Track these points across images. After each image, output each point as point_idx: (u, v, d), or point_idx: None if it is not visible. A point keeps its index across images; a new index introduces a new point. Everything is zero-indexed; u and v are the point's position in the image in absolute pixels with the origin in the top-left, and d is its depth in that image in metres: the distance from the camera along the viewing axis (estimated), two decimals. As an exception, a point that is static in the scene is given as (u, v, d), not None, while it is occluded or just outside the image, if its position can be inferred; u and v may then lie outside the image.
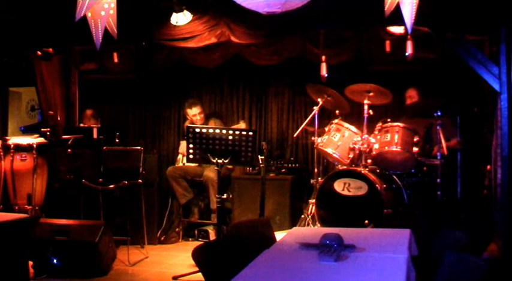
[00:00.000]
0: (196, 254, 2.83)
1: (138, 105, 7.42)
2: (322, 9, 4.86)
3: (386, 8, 3.73)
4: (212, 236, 6.15)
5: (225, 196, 5.98)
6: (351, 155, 5.42)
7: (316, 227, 5.33)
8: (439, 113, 5.13)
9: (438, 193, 5.08)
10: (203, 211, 6.60)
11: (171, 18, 5.43)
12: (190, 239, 6.46)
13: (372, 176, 5.09)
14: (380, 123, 5.44)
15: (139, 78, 6.88)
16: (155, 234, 6.26)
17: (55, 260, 4.88)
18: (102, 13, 4.24)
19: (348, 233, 2.85)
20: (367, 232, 3.95)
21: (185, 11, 5.39)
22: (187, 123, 6.47)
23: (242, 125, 6.25)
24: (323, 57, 5.78)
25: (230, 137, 4.57)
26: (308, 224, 5.53)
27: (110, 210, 5.67)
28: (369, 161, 5.39)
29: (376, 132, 5.38)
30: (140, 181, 5.74)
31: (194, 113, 6.54)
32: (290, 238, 3.14)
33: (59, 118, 6.60)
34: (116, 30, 4.37)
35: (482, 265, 2.42)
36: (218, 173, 4.69)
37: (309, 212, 5.57)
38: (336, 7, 5.03)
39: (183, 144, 6.55)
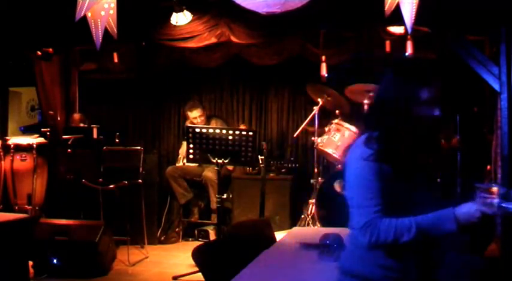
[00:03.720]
0: (196, 254, 2.82)
1: (138, 105, 7.40)
2: (322, 9, 4.85)
3: (386, 8, 3.73)
4: (212, 236, 6.14)
5: (225, 195, 5.97)
6: (351, 155, 5.41)
7: (316, 227, 5.32)
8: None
9: (438, 193, 5.07)
10: (203, 211, 6.60)
11: (171, 18, 5.43)
12: (190, 239, 6.44)
13: (372, 176, 5.08)
14: (380, 123, 5.42)
15: (140, 78, 6.88)
16: (155, 234, 6.25)
17: (55, 260, 4.87)
18: (102, 13, 4.26)
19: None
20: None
21: (185, 11, 5.39)
22: (187, 123, 6.45)
23: (242, 128, 6.25)
24: (323, 57, 5.77)
25: (230, 137, 4.58)
26: (308, 224, 5.52)
27: (110, 210, 5.66)
28: (369, 161, 5.38)
29: (376, 132, 5.38)
30: (140, 181, 5.74)
31: (195, 115, 6.46)
32: (290, 238, 3.15)
33: (59, 118, 6.60)
34: (115, 30, 4.38)
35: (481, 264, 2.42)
36: (218, 173, 4.68)
37: (309, 212, 5.57)
38: (335, 7, 5.03)
39: (184, 145, 6.54)
